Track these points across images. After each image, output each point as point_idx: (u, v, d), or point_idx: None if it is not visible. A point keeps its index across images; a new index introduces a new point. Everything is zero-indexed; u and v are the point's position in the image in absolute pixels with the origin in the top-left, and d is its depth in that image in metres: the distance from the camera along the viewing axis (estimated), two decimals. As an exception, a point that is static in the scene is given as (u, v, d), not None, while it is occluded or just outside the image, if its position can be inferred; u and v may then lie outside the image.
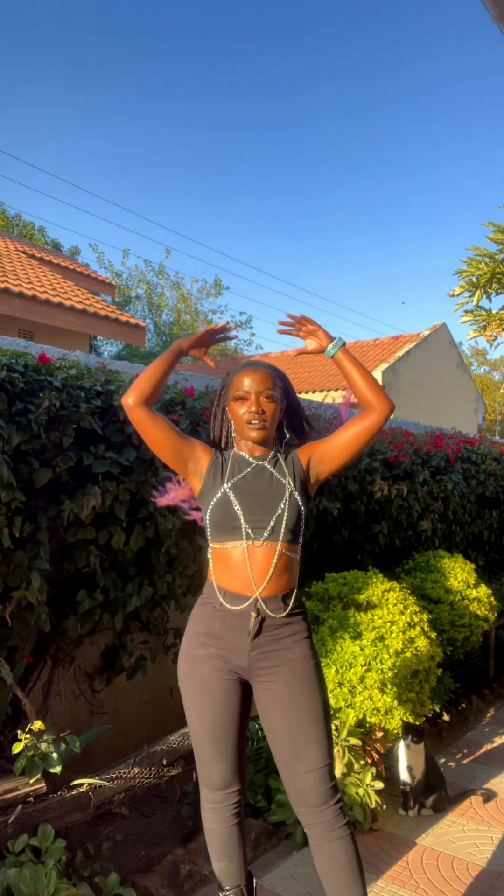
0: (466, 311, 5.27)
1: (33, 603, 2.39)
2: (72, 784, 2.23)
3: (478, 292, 5.01)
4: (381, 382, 13.51)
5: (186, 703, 1.88)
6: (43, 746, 2.11)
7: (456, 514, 4.68)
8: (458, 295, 5.13)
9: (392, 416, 1.96)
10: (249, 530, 1.80)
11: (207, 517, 1.86)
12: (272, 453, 1.91)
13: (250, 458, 1.90)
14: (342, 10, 44.50)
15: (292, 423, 2.00)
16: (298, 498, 1.85)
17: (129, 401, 1.84)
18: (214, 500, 1.84)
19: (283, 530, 1.81)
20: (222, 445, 2.00)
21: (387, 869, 2.47)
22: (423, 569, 3.93)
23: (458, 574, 3.83)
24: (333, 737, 2.60)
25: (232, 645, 1.81)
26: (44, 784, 2.15)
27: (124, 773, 2.34)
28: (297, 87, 46.40)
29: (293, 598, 1.85)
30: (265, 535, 1.80)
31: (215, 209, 48.67)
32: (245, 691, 1.88)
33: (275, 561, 1.80)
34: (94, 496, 2.46)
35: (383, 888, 2.35)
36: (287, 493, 1.84)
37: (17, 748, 2.09)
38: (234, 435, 1.94)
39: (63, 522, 2.52)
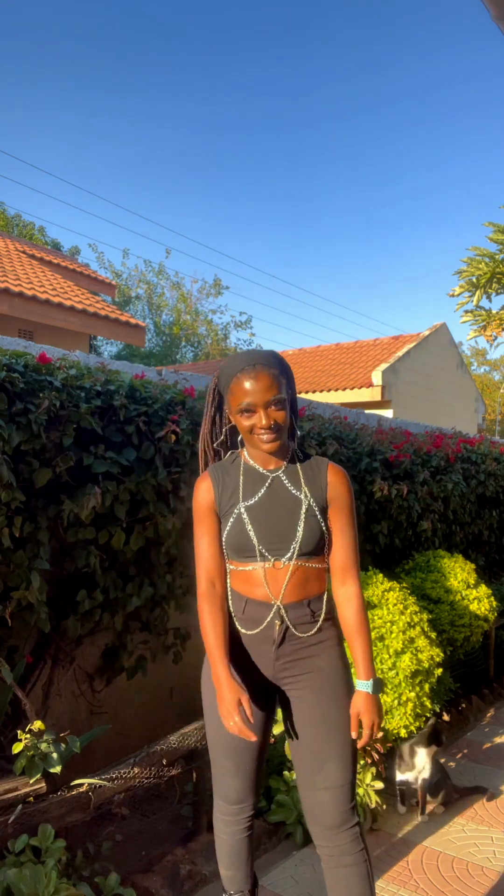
0: (466, 311, 5.27)
1: (33, 603, 2.38)
2: (72, 784, 2.23)
3: (478, 292, 5.02)
4: (381, 382, 13.53)
5: (207, 712, 1.81)
6: (43, 746, 2.11)
7: (456, 514, 4.68)
8: (458, 295, 5.14)
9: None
10: (266, 553, 1.71)
11: (224, 538, 1.76)
12: (287, 459, 1.78)
13: (263, 471, 1.77)
14: (342, 10, 44.50)
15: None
16: (318, 514, 1.73)
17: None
18: (230, 523, 1.74)
19: (301, 552, 1.71)
20: (222, 446, 1.87)
21: (387, 869, 2.47)
22: (423, 569, 3.93)
23: (458, 574, 3.83)
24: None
25: (256, 654, 1.75)
26: (44, 784, 2.15)
27: (124, 773, 2.34)
28: (298, 88, 46.42)
29: (321, 603, 1.76)
30: (283, 558, 1.71)
31: (215, 209, 48.69)
32: (269, 703, 1.81)
33: (296, 575, 1.71)
34: (94, 496, 2.46)
35: (383, 888, 2.35)
36: (303, 511, 1.71)
37: (17, 748, 2.09)
38: (240, 440, 1.83)
39: (63, 522, 2.52)
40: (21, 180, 52.00)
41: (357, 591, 1.77)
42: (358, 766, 2.67)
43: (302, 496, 1.73)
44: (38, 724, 2.15)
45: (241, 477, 1.77)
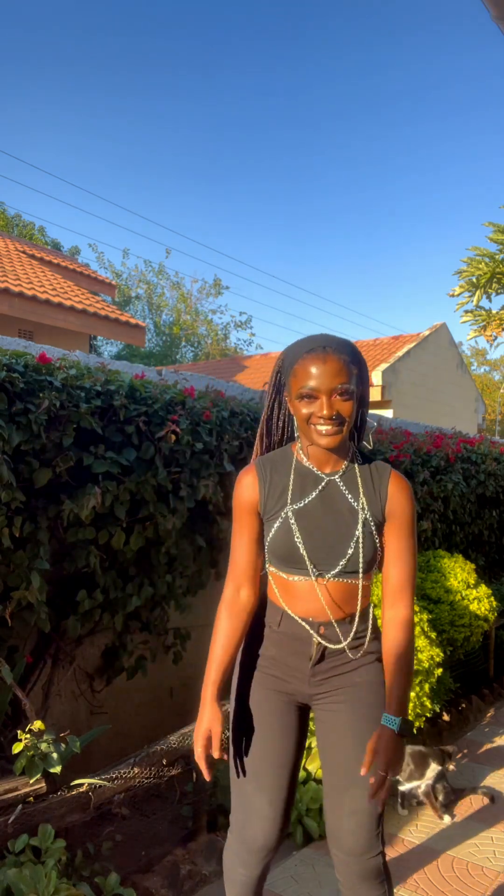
0: (466, 311, 5.27)
1: (33, 603, 2.39)
2: (72, 784, 2.23)
3: (478, 292, 5.01)
4: (381, 382, 13.53)
5: (235, 733, 1.65)
6: (43, 746, 2.11)
7: (456, 514, 4.68)
8: (458, 295, 5.14)
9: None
10: (315, 568, 1.55)
11: (268, 542, 1.59)
12: (346, 463, 1.59)
13: (319, 473, 1.58)
14: (341, 10, 44.51)
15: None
16: (374, 529, 1.55)
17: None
18: (276, 525, 1.56)
19: (353, 569, 1.55)
20: (277, 442, 1.69)
21: (387, 869, 2.47)
22: (423, 569, 3.93)
23: (458, 574, 3.83)
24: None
25: (291, 670, 1.61)
26: (44, 784, 2.15)
27: (124, 773, 2.34)
28: (297, 87, 46.42)
29: (366, 619, 1.61)
30: (333, 573, 1.55)
31: (215, 209, 48.70)
32: (302, 721, 1.66)
33: (342, 591, 1.57)
34: (94, 496, 2.46)
35: (383, 888, 2.35)
36: (360, 526, 1.54)
37: (17, 748, 2.09)
38: (296, 434, 1.62)
39: (63, 522, 2.52)
40: (21, 180, 52.02)
41: (408, 616, 1.58)
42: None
43: (359, 507, 1.55)
44: (38, 724, 2.15)
45: (292, 475, 1.59)
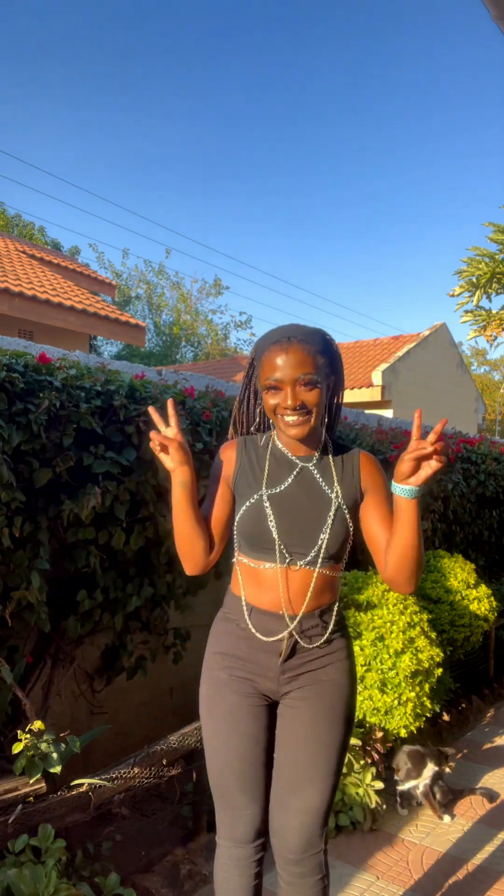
0: (466, 311, 5.27)
1: (33, 603, 2.39)
2: (72, 784, 2.23)
3: (478, 292, 5.01)
4: (381, 382, 13.52)
5: (208, 733, 1.63)
6: (43, 746, 2.11)
7: (456, 513, 4.68)
8: (458, 295, 5.13)
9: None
10: (286, 553, 1.53)
11: (237, 525, 1.58)
12: (318, 449, 1.59)
13: (293, 458, 1.59)
14: (340, 5, 44.50)
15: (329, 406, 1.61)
16: (347, 514, 1.55)
17: (197, 572, 1.61)
18: (247, 506, 1.56)
19: (324, 556, 1.54)
20: (255, 430, 1.70)
21: (387, 869, 2.47)
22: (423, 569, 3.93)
23: (458, 574, 3.83)
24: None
25: (261, 668, 1.58)
26: (44, 784, 2.15)
27: (124, 773, 2.34)
28: (295, 84, 46.44)
29: (332, 613, 1.60)
30: (304, 560, 1.54)
31: (215, 209, 48.72)
32: (274, 718, 1.64)
33: (313, 583, 1.54)
34: (94, 496, 2.46)
35: (383, 888, 2.35)
36: (333, 511, 1.54)
37: (17, 748, 2.09)
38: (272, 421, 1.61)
39: (63, 522, 2.52)
40: (21, 180, 52.07)
41: None
42: (357, 766, 2.68)
43: (333, 495, 1.55)
44: (38, 724, 2.15)
45: (268, 459, 1.59)
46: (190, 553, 1.59)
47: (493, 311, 5.22)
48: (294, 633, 1.55)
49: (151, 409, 1.56)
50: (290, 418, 1.48)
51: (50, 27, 38.53)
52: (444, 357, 16.27)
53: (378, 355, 15.04)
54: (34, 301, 9.29)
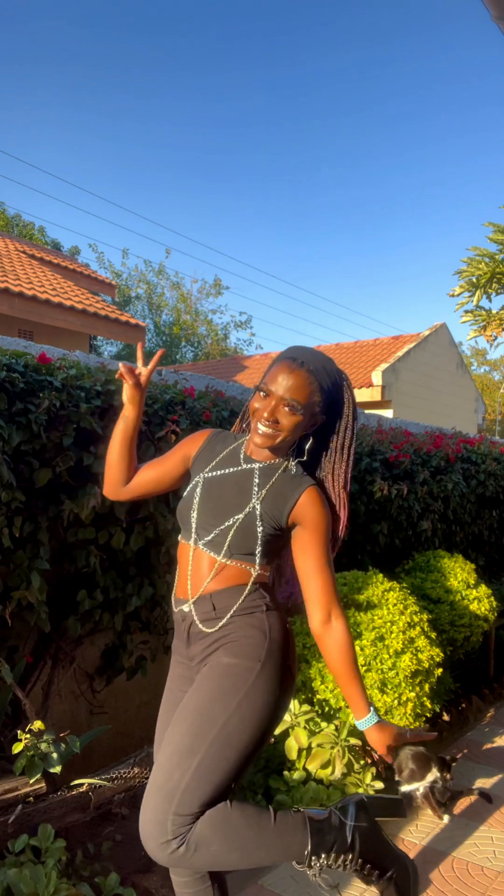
0: (466, 311, 5.27)
1: (33, 603, 2.39)
2: (72, 784, 2.23)
3: (478, 292, 5.02)
4: (381, 382, 13.54)
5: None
6: (43, 746, 2.11)
7: (456, 514, 4.68)
8: (458, 295, 5.14)
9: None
10: (196, 533, 1.58)
11: (179, 503, 1.66)
12: (274, 462, 1.61)
13: (245, 457, 1.64)
14: (341, 6, 44.53)
15: (317, 445, 1.63)
16: (261, 524, 1.54)
17: (109, 496, 1.73)
18: (188, 487, 1.65)
19: (225, 546, 1.54)
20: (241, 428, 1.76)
21: (387, 869, 2.47)
22: (423, 569, 3.93)
23: (458, 574, 3.83)
24: (325, 739, 2.61)
25: (183, 658, 1.64)
26: (44, 784, 2.15)
27: (124, 773, 2.34)
28: (297, 85, 46.45)
29: (234, 602, 1.55)
30: (205, 540, 1.57)
31: (215, 209, 48.74)
32: None
33: (214, 570, 1.55)
34: (94, 496, 2.46)
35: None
36: (247, 510, 1.55)
37: (17, 748, 2.09)
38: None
39: (63, 522, 2.52)
40: (21, 180, 52.04)
41: (345, 628, 1.55)
42: (357, 766, 2.68)
43: (255, 500, 1.55)
44: (38, 724, 2.15)
45: (226, 452, 1.66)
46: (108, 477, 1.73)
47: (493, 311, 5.23)
48: (189, 614, 1.58)
49: (128, 366, 1.68)
50: (261, 426, 1.53)
51: (50, 28, 38.56)
52: (444, 357, 16.27)
53: (378, 355, 15.05)
54: (34, 301, 9.29)
